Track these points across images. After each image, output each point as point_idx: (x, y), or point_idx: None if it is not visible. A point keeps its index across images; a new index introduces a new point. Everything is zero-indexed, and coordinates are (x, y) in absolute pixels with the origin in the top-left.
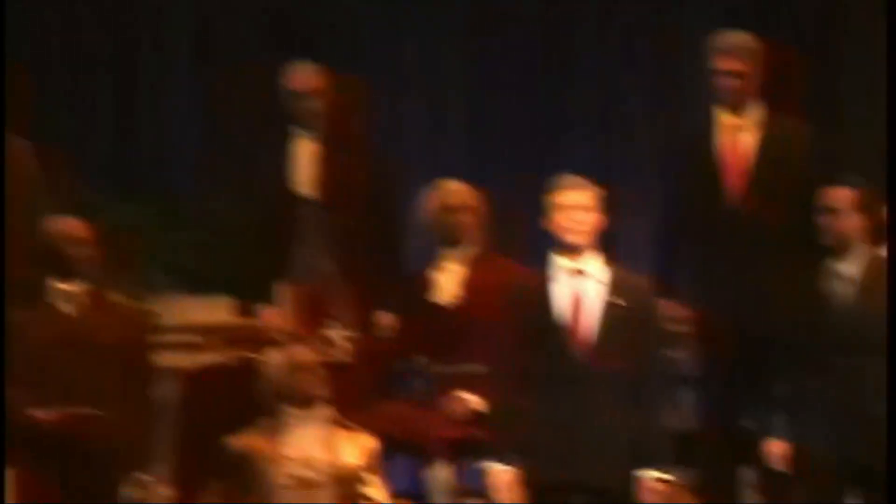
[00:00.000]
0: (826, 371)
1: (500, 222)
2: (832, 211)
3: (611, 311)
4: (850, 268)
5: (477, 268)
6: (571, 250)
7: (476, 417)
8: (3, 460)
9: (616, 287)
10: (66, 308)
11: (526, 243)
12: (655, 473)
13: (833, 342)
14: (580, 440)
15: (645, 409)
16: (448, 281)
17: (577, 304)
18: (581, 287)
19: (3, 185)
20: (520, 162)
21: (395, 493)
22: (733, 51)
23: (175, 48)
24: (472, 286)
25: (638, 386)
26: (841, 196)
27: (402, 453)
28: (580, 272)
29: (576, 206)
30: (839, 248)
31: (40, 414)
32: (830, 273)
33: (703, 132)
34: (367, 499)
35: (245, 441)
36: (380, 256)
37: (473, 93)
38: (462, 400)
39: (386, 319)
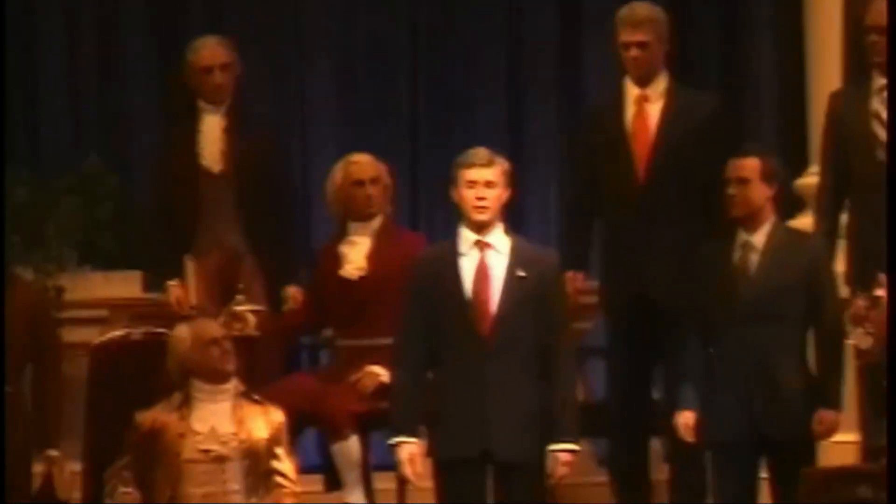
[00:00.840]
0: (734, 341)
1: (408, 195)
2: (740, 181)
3: (513, 283)
4: (757, 238)
5: (383, 241)
6: (479, 224)
7: (385, 391)
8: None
9: (519, 259)
10: None
11: (433, 215)
12: (564, 445)
13: (741, 312)
14: (488, 413)
15: (553, 381)
16: (356, 254)
17: (483, 278)
18: (488, 260)
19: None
20: (428, 134)
21: (305, 467)
22: (639, 22)
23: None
24: (379, 259)
25: (545, 358)
26: (749, 166)
27: (310, 427)
28: (487, 245)
29: (483, 182)
30: (747, 219)
31: None
32: (739, 243)
33: (611, 104)
34: (277, 473)
35: (154, 416)
36: (285, 230)
37: (380, 65)
38: (371, 374)
39: (293, 293)
